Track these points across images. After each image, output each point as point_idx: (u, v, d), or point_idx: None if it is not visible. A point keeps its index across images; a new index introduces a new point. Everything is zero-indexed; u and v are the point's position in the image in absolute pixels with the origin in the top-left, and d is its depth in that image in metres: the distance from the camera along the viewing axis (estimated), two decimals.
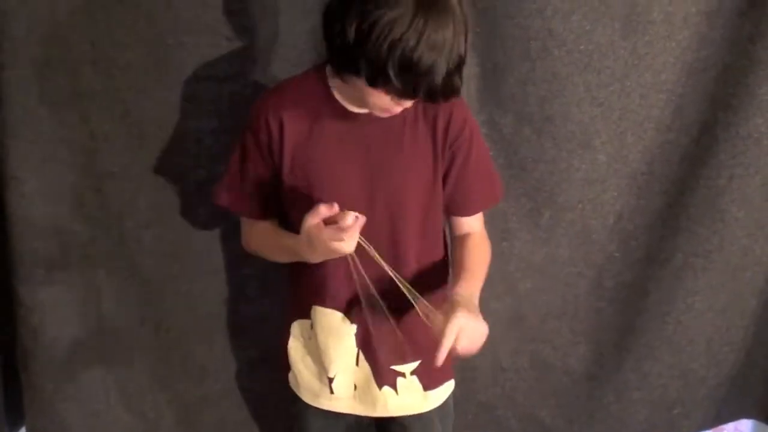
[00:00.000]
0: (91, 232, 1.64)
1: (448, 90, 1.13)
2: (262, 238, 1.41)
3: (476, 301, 1.29)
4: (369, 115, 1.27)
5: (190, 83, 1.54)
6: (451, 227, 1.44)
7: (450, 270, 1.42)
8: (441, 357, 1.18)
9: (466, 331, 1.20)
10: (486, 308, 1.67)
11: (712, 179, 1.57)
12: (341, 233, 1.16)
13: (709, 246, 1.61)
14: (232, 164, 1.38)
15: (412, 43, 1.06)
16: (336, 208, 1.18)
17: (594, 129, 1.56)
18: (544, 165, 1.60)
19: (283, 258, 1.38)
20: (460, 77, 1.14)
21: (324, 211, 1.17)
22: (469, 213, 1.40)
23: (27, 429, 1.75)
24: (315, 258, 1.24)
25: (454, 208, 1.40)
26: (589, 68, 1.52)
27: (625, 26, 1.50)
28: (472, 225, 1.42)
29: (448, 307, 1.22)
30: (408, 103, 1.20)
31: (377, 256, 1.23)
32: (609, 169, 1.59)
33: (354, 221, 1.16)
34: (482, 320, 1.24)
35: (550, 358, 1.75)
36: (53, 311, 1.65)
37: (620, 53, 1.51)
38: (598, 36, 1.50)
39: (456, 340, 1.18)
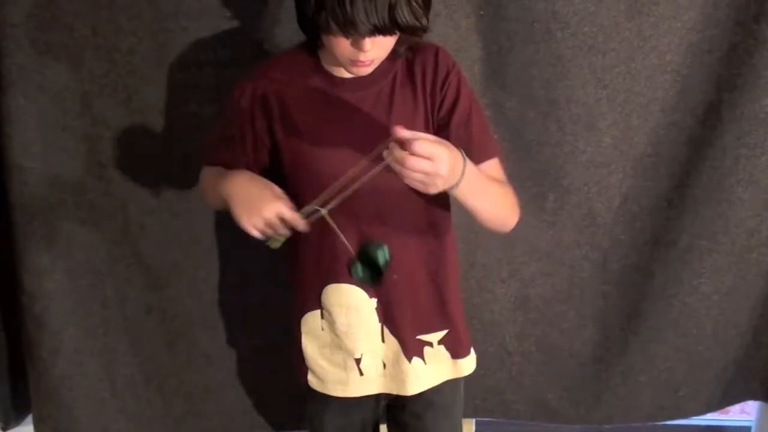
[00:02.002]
0: (95, 220, 1.64)
1: (399, 21, 1.12)
2: (211, 175, 1.33)
3: (464, 174, 1.16)
4: (357, 81, 1.27)
5: (192, 69, 1.54)
6: None
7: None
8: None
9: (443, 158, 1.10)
10: (492, 292, 1.70)
11: (717, 160, 1.56)
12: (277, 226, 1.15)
13: (715, 227, 1.60)
14: (214, 130, 1.36)
15: None
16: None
17: (599, 111, 1.55)
18: (549, 148, 1.59)
19: (213, 192, 1.30)
20: (419, 10, 1.13)
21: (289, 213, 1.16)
22: (477, 159, 1.28)
23: (33, 417, 1.75)
24: (230, 190, 1.20)
25: None
26: (594, 50, 1.51)
27: (629, 7, 1.49)
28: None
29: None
30: (368, 46, 1.15)
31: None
32: (614, 151, 1.59)
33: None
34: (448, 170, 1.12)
35: (557, 341, 1.75)
36: (57, 299, 1.65)
37: (625, 35, 1.50)
38: (603, 17, 1.49)
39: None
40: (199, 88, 1.55)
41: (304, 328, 1.41)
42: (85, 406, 1.74)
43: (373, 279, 1.30)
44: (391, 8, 1.11)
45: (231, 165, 1.30)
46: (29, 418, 1.78)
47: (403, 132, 1.07)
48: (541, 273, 1.70)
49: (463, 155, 1.16)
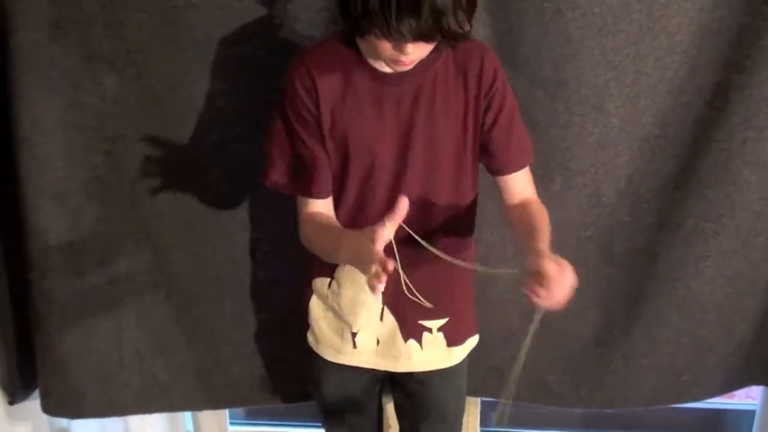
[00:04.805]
0: (103, 196, 1.64)
1: (443, 30, 1.12)
2: (314, 234, 1.37)
3: None
4: (400, 75, 1.28)
5: (202, 45, 1.53)
6: (504, 194, 1.42)
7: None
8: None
9: (565, 280, 1.18)
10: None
11: (724, 142, 1.55)
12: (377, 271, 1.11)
13: (721, 210, 1.60)
14: (275, 142, 1.35)
15: None
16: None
17: (607, 92, 1.55)
18: (556, 129, 1.59)
19: (329, 256, 1.35)
20: (464, 18, 1.13)
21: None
22: (515, 167, 1.40)
23: (40, 392, 1.76)
24: (345, 257, 1.26)
25: (500, 165, 1.39)
26: (604, 31, 1.51)
27: None
28: (525, 188, 1.42)
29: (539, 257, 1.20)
30: (409, 50, 1.17)
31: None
32: (622, 132, 1.58)
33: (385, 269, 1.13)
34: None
35: (560, 323, 1.75)
36: (65, 275, 1.66)
37: (635, 16, 1.50)
38: None
39: (554, 286, 1.16)
40: (208, 64, 1.55)
41: (315, 289, 1.46)
42: (91, 381, 1.75)
43: None
44: (437, 18, 1.10)
45: (321, 194, 1.36)
46: (36, 393, 1.78)
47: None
48: None
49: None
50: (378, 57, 1.24)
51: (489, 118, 1.34)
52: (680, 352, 1.76)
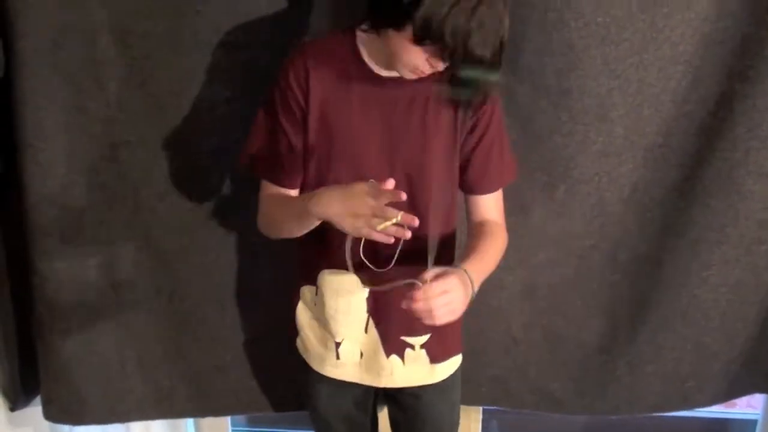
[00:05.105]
0: (106, 202, 1.65)
1: (490, 65, 1.14)
2: (274, 206, 1.38)
3: (475, 287, 1.26)
4: (395, 80, 1.28)
5: (205, 52, 1.54)
6: (469, 211, 1.44)
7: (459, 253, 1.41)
8: (416, 301, 1.17)
9: (450, 295, 1.19)
10: (499, 281, 1.70)
11: (728, 152, 1.56)
12: (384, 213, 1.13)
13: (725, 219, 1.60)
14: (258, 126, 1.36)
15: (473, 3, 1.08)
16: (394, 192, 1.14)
17: (611, 102, 1.55)
18: (560, 138, 1.59)
19: (290, 222, 1.32)
20: (500, 59, 1.15)
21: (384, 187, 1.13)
22: (485, 190, 1.40)
23: (41, 398, 1.76)
24: (321, 209, 1.19)
25: (471, 185, 1.40)
26: (607, 41, 1.51)
27: None
28: (490, 211, 1.42)
29: (446, 271, 1.21)
30: (440, 66, 1.19)
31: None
32: (625, 141, 1.58)
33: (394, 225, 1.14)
34: (466, 299, 1.23)
35: (563, 330, 1.75)
36: (68, 280, 1.66)
37: (638, 26, 1.50)
38: (617, 8, 1.48)
39: (435, 299, 1.17)
40: (212, 70, 1.55)
41: (302, 296, 1.47)
42: (93, 387, 1.75)
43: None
44: (494, 53, 1.13)
45: (290, 185, 1.36)
46: (37, 400, 1.78)
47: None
48: (549, 262, 1.70)
49: (466, 272, 1.24)
50: (384, 58, 1.24)
51: (473, 138, 1.35)
52: (684, 358, 1.77)
